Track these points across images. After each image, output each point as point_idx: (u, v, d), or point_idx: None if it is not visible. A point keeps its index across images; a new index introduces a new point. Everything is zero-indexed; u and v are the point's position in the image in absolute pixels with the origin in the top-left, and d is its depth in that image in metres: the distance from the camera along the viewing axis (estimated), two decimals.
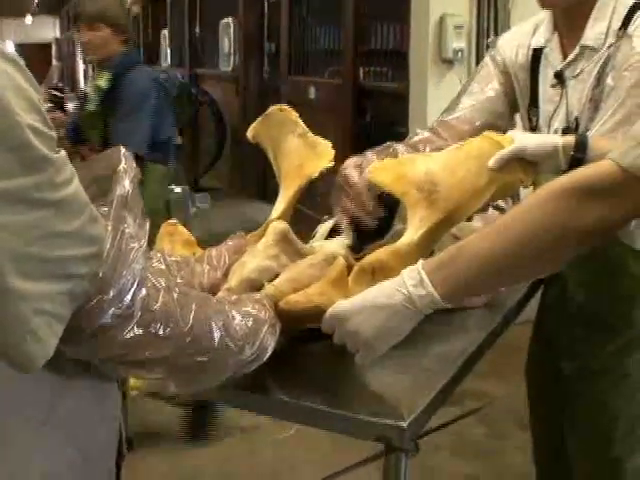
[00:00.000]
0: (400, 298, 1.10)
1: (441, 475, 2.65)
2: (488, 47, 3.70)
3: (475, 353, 1.37)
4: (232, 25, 6.83)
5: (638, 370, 1.67)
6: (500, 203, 1.91)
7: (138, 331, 0.83)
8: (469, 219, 1.67)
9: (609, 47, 1.60)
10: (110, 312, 0.79)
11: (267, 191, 6.49)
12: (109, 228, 0.79)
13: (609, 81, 1.58)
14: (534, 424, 2.03)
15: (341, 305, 1.13)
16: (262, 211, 1.37)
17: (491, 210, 1.85)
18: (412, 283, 1.10)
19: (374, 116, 4.76)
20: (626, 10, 1.60)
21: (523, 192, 1.76)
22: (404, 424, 1.09)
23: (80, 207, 0.75)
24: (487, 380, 3.05)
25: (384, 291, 1.12)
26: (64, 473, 0.87)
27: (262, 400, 1.21)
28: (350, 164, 1.57)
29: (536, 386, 2.00)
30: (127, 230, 0.81)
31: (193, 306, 0.91)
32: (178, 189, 2.74)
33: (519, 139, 1.38)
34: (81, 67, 20.20)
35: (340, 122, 4.76)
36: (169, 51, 9.32)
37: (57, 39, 21.93)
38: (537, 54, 1.78)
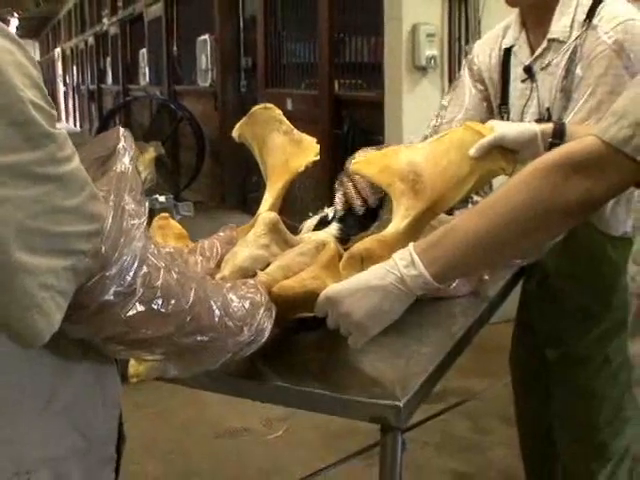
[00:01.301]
0: (392, 279, 1.12)
1: (428, 470, 2.68)
2: (466, 54, 3.77)
3: (463, 338, 1.40)
4: (209, 42, 6.88)
5: (618, 355, 1.72)
6: (478, 199, 1.96)
7: (140, 308, 0.83)
8: (450, 213, 1.71)
9: (575, 39, 1.66)
10: (112, 289, 0.79)
11: (247, 203, 6.51)
12: (110, 205, 0.80)
13: (578, 71, 1.64)
14: (520, 412, 2.07)
15: (334, 287, 1.16)
16: (243, 221, 1.40)
17: (470, 206, 1.89)
18: (403, 264, 1.12)
19: (351, 125, 4.80)
20: (590, 2, 1.66)
21: (497, 185, 1.81)
22: (400, 403, 1.12)
23: (81, 184, 0.76)
24: (470, 377, 3.10)
25: (376, 273, 1.14)
26: (68, 457, 0.88)
27: (259, 387, 1.23)
28: None
29: (521, 374, 2.03)
30: (127, 207, 0.81)
31: (193, 285, 0.91)
32: (162, 198, 2.76)
33: (499, 128, 1.42)
34: (61, 89, 20.17)
35: (318, 132, 4.75)
36: (148, 69, 9.35)
37: (37, 62, 21.89)
38: (507, 53, 1.83)
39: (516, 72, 1.82)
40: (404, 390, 1.15)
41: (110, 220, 0.79)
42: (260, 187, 6.27)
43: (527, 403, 2.03)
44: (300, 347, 1.33)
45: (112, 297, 0.80)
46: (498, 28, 1.92)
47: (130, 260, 0.80)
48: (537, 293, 1.87)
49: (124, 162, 0.85)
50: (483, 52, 1.91)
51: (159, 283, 0.85)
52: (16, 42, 0.72)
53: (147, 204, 0.87)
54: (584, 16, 1.66)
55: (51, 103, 0.75)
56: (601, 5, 1.66)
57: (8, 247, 0.69)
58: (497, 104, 1.88)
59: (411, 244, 1.15)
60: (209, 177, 7.05)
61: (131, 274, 0.81)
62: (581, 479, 1.81)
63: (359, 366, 1.28)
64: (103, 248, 0.77)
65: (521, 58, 1.80)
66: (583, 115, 1.60)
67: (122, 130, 0.89)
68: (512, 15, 1.86)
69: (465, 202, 1.78)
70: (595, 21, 1.64)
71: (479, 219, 1.11)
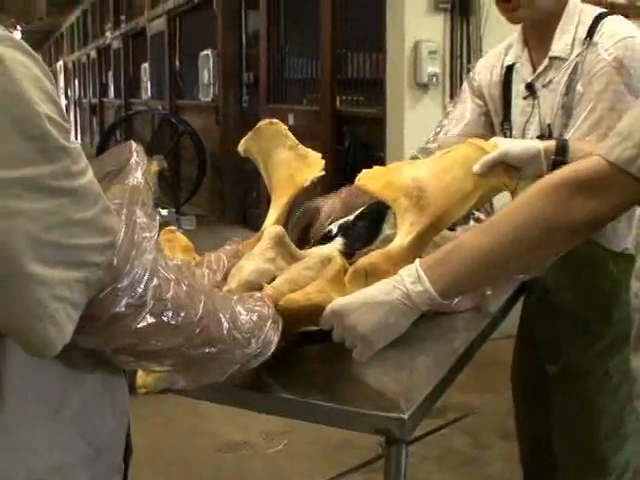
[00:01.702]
0: (398, 294, 1.13)
1: None
2: (468, 71, 3.82)
3: (466, 352, 1.42)
4: (211, 56, 6.93)
5: (619, 370, 1.73)
6: (481, 216, 1.98)
7: (150, 320, 0.84)
8: (452, 229, 1.73)
9: (576, 56, 1.69)
10: (123, 301, 0.80)
11: (247, 217, 6.53)
12: (122, 218, 0.81)
13: (579, 88, 1.67)
14: (520, 426, 2.08)
15: (340, 301, 1.17)
16: (243, 236, 1.42)
17: (472, 222, 1.92)
18: (410, 280, 1.13)
19: (352, 141, 4.83)
20: (591, 20, 1.69)
21: (497, 204, 1.84)
22: (405, 416, 1.12)
23: (94, 197, 0.77)
24: (469, 393, 3.11)
25: (383, 288, 1.16)
26: (76, 466, 0.88)
27: (264, 398, 1.24)
28: None
29: (521, 389, 2.04)
30: (139, 220, 0.83)
31: (202, 297, 0.92)
32: (164, 212, 2.78)
33: (502, 145, 1.44)
34: (63, 102, 20.22)
35: (319, 147, 4.76)
36: (150, 84, 9.40)
37: None
38: (509, 70, 1.86)
39: (518, 89, 1.84)
40: (408, 402, 1.16)
41: (122, 233, 0.80)
42: (260, 202, 6.35)
43: (528, 417, 2.03)
44: (305, 360, 1.34)
45: (123, 309, 0.81)
46: (500, 46, 1.95)
47: (141, 272, 0.81)
48: (538, 308, 1.88)
49: (136, 176, 0.86)
50: (485, 69, 1.94)
51: (169, 295, 0.86)
52: (32, 56, 0.73)
53: (158, 218, 0.88)
54: (585, 34, 1.69)
55: (65, 117, 0.76)
56: (601, 23, 1.69)
57: (22, 258, 0.70)
58: (499, 121, 1.90)
59: (417, 260, 1.17)
60: (209, 191, 7.08)
61: (142, 286, 0.82)
62: None
63: (363, 379, 1.29)
64: (115, 260, 0.78)
65: (523, 75, 1.82)
66: (584, 131, 1.62)
67: (134, 145, 0.90)
68: (514, 34, 1.89)
69: (467, 218, 1.80)
70: (595, 38, 1.67)
71: (484, 237, 1.13)
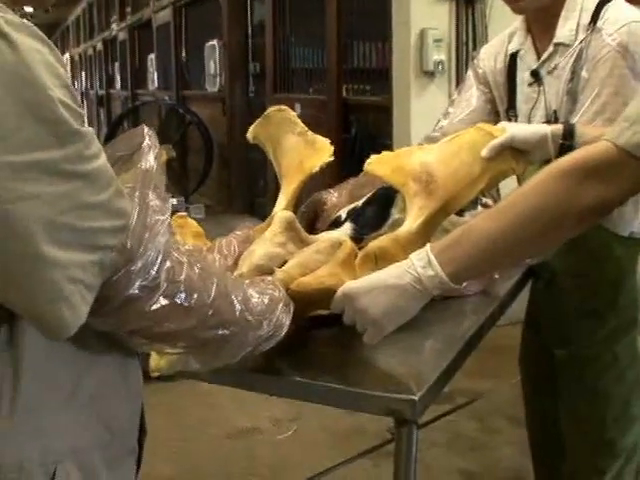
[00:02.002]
0: (409, 278, 1.15)
1: (437, 470, 2.70)
2: (473, 59, 3.82)
3: (475, 335, 1.43)
4: (217, 47, 6.93)
5: (626, 354, 1.74)
6: (488, 201, 1.99)
7: (164, 302, 0.85)
8: (460, 214, 1.74)
9: (580, 42, 1.69)
10: (137, 283, 0.81)
11: (254, 207, 6.55)
12: (135, 201, 0.82)
13: (583, 73, 1.67)
14: (529, 410, 2.09)
15: (352, 284, 1.18)
16: (251, 225, 1.45)
17: (480, 207, 1.93)
18: (421, 264, 1.14)
19: (358, 130, 4.83)
20: (594, 5, 1.70)
21: (504, 190, 1.84)
22: (415, 397, 1.14)
23: (107, 180, 0.78)
24: (475, 379, 3.12)
25: (394, 272, 1.17)
26: (91, 448, 0.89)
27: (277, 381, 1.25)
28: None
29: (530, 373, 2.06)
30: (152, 203, 0.83)
31: (214, 279, 0.93)
32: (174, 200, 2.79)
33: (510, 129, 1.45)
34: None
35: (326, 136, 4.80)
36: (156, 75, 9.40)
37: None
38: (513, 58, 1.87)
39: (523, 76, 1.85)
40: (419, 384, 1.17)
41: (135, 216, 0.80)
42: (267, 192, 6.35)
43: (536, 402, 2.05)
44: (315, 343, 1.35)
45: (137, 291, 0.82)
46: (504, 33, 1.95)
47: (154, 255, 0.82)
48: (545, 293, 1.89)
49: (149, 159, 0.86)
50: (489, 56, 1.95)
51: (182, 277, 0.87)
52: (46, 43, 0.74)
53: (170, 201, 0.88)
54: (589, 20, 1.70)
55: (78, 102, 0.77)
56: (605, 8, 1.69)
57: (37, 241, 0.71)
58: (504, 108, 1.91)
59: (428, 245, 1.17)
60: (216, 181, 7.09)
61: (155, 268, 0.82)
62: (589, 476, 1.83)
63: (373, 362, 1.31)
64: (129, 243, 0.79)
65: (527, 62, 1.83)
66: (589, 116, 1.63)
67: (147, 129, 0.91)
68: (517, 21, 1.90)
69: (474, 203, 1.81)
70: (599, 24, 1.68)
71: (494, 221, 1.14)
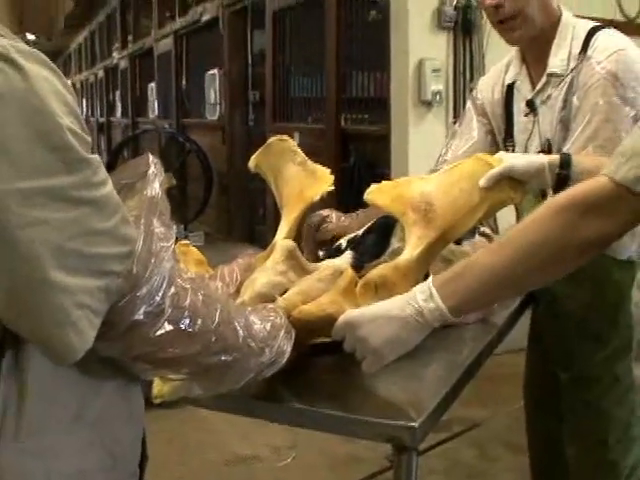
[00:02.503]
0: (411, 310, 1.17)
1: None
2: (470, 90, 3.88)
3: (474, 362, 1.44)
4: (217, 76, 7.00)
5: (627, 375, 1.75)
6: (486, 230, 2.02)
7: (169, 327, 0.86)
8: (459, 243, 1.76)
9: (571, 71, 1.73)
10: (142, 309, 0.83)
11: (254, 235, 6.57)
12: (141, 228, 0.83)
13: (575, 101, 1.71)
14: (532, 433, 2.10)
15: (354, 312, 1.20)
16: (251, 253, 1.48)
17: (477, 236, 1.95)
18: (423, 297, 1.16)
19: (357, 158, 4.87)
20: (584, 34, 1.74)
21: (501, 219, 1.87)
22: (415, 424, 1.14)
23: (114, 207, 0.79)
24: (473, 406, 3.13)
25: (396, 304, 1.19)
26: (94, 472, 0.90)
27: (278, 408, 1.26)
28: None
29: (534, 396, 2.07)
30: (157, 230, 0.85)
31: (218, 305, 0.94)
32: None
33: (508, 159, 1.47)
34: None
35: (324, 165, 4.83)
36: (156, 103, 9.47)
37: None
38: (510, 88, 1.91)
39: (519, 107, 1.88)
40: (418, 411, 1.18)
41: (141, 242, 0.82)
42: (267, 220, 6.36)
43: (540, 424, 2.06)
44: (316, 370, 1.36)
45: (142, 317, 0.83)
46: (500, 64, 1.99)
47: (159, 281, 0.83)
48: (546, 317, 1.91)
49: (154, 187, 0.88)
50: (486, 88, 1.98)
51: (187, 303, 0.88)
52: (54, 70, 0.76)
53: (174, 228, 0.90)
54: (579, 48, 1.74)
55: (86, 130, 0.79)
56: (594, 37, 1.73)
57: (45, 266, 0.73)
58: (502, 138, 1.94)
59: (430, 277, 1.19)
60: (216, 209, 7.12)
61: (160, 294, 0.84)
62: None
63: (373, 389, 1.32)
64: (134, 269, 0.81)
65: (523, 93, 1.87)
66: (581, 143, 1.66)
67: (151, 157, 0.93)
68: (513, 51, 1.94)
69: (472, 232, 1.84)
70: (589, 52, 1.72)
71: (496, 255, 1.15)
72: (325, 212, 1.81)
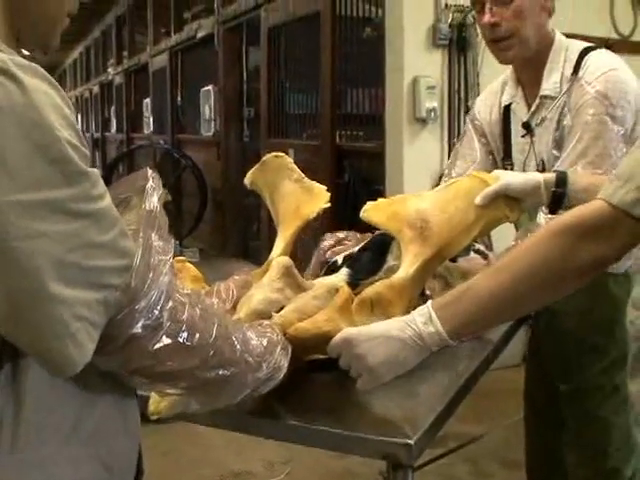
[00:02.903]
0: (411, 333, 1.17)
1: None
2: (467, 110, 3.93)
3: (470, 379, 1.44)
4: (212, 92, 7.02)
5: (626, 384, 1.76)
6: (481, 247, 2.03)
7: (167, 341, 0.86)
8: (454, 260, 1.77)
9: (564, 93, 1.76)
10: (140, 322, 0.83)
11: (248, 251, 6.57)
12: (139, 242, 0.84)
13: (567, 121, 1.74)
14: (531, 446, 2.12)
15: (352, 330, 1.20)
16: (245, 269, 1.47)
17: (472, 254, 1.96)
18: (422, 320, 1.17)
19: (352, 175, 4.88)
20: (577, 56, 1.76)
21: (495, 237, 1.88)
22: (411, 441, 1.15)
23: (112, 221, 0.80)
24: (468, 422, 3.13)
25: (396, 325, 1.19)
26: None
27: (273, 425, 1.26)
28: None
29: (534, 408, 2.09)
30: (155, 244, 0.85)
31: (215, 320, 0.95)
32: None
33: (504, 177, 1.48)
34: None
35: (319, 181, 4.82)
36: (151, 119, 9.49)
37: None
38: (507, 109, 1.93)
39: (516, 128, 1.91)
40: (414, 428, 1.19)
41: (139, 256, 0.83)
42: (261, 236, 6.33)
43: (540, 435, 2.08)
44: (312, 386, 1.37)
45: (140, 330, 0.83)
46: (496, 84, 2.01)
47: (158, 295, 0.84)
48: (546, 332, 1.93)
49: (152, 201, 0.89)
50: (484, 108, 2.01)
51: (185, 317, 0.89)
52: (52, 84, 0.77)
53: (172, 242, 0.90)
54: (571, 70, 1.76)
55: (84, 143, 0.80)
56: (586, 58, 1.77)
57: (44, 278, 0.73)
58: (500, 158, 1.96)
59: (429, 302, 1.20)
60: (210, 225, 7.12)
61: (158, 308, 0.84)
62: None
63: (368, 406, 1.32)
64: (133, 282, 0.81)
65: (519, 115, 1.89)
66: (571, 160, 1.69)
67: (150, 171, 0.93)
68: (508, 70, 1.96)
69: (467, 250, 1.85)
70: (580, 73, 1.75)
71: (494, 279, 1.16)
72: (341, 234, 1.82)
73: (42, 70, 0.78)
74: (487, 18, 1.79)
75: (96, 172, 0.79)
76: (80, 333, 0.76)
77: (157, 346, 0.86)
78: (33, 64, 0.78)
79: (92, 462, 0.90)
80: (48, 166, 0.74)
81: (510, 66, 1.94)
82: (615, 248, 1.11)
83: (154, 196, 0.90)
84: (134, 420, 0.99)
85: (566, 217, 1.15)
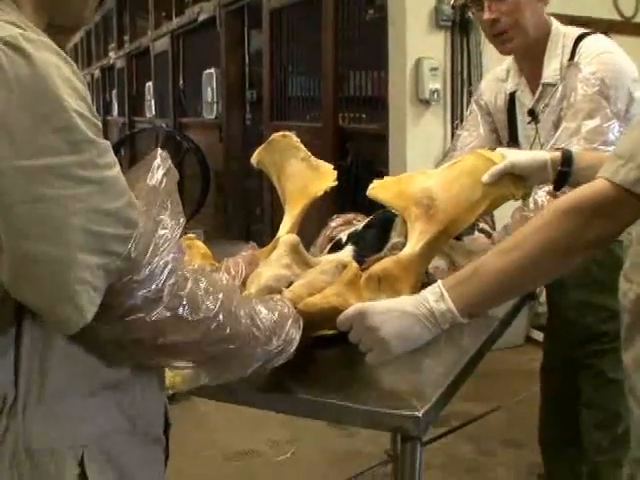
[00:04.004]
0: (424, 310, 1.19)
1: None
2: (470, 94, 3.97)
3: (476, 354, 1.46)
4: (215, 75, 7.01)
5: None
6: (485, 226, 2.04)
7: (165, 313, 0.88)
8: (458, 238, 1.79)
9: (563, 79, 1.81)
10: (140, 294, 0.85)
11: (250, 234, 6.58)
12: (146, 215, 0.86)
13: (564, 105, 1.78)
14: (547, 416, 2.17)
15: (365, 303, 1.22)
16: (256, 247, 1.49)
17: (477, 233, 1.98)
18: (434, 299, 1.19)
19: (355, 157, 4.89)
20: (572, 42, 1.81)
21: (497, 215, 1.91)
22: (419, 414, 1.17)
23: (120, 191, 0.82)
24: (471, 402, 3.15)
25: (410, 301, 1.21)
26: (115, 434, 0.93)
27: (282, 399, 1.28)
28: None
29: (552, 378, 2.13)
30: (162, 218, 0.87)
31: (220, 295, 0.95)
32: None
33: (510, 155, 1.49)
34: None
35: None
36: (153, 102, 9.47)
37: None
38: (512, 97, 1.98)
39: (522, 115, 1.95)
40: (422, 402, 1.21)
41: (144, 228, 0.84)
42: (264, 218, 6.32)
43: (555, 407, 2.11)
44: (320, 362, 1.38)
45: (139, 301, 0.85)
46: (500, 70, 2.06)
47: (160, 269, 0.85)
48: (561, 299, 1.98)
49: (157, 176, 0.91)
50: (489, 93, 2.06)
51: (185, 292, 0.90)
52: (64, 58, 0.80)
53: (182, 221, 0.91)
54: (569, 56, 1.82)
55: (96, 115, 0.82)
56: (581, 44, 1.82)
57: (48, 241, 0.76)
58: (506, 142, 2.00)
59: (440, 280, 1.22)
60: (213, 208, 7.13)
61: (159, 282, 0.86)
62: (610, 470, 1.88)
63: (376, 380, 1.34)
64: (133, 253, 0.83)
65: (524, 102, 1.95)
66: (564, 138, 1.74)
67: (160, 151, 0.95)
68: (509, 58, 2.01)
69: (471, 228, 1.86)
70: (576, 58, 1.82)
71: (505, 257, 1.19)
72: (350, 215, 1.84)
73: (54, 45, 0.80)
74: (487, 15, 1.86)
75: (106, 143, 0.82)
76: (81, 296, 0.79)
77: (155, 318, 0.87)
78: (46, 39, 0.80)
79: (115, 413, 0.93)
80: (52, 134, 0.76)
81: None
82: (619, 225, 1.14)
83: (159, 172, 0.91)
84: (159, 376, 1.02)
85: (571, 197, 1.17)
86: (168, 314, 0.88)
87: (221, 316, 0.95)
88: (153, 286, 0.85)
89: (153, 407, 1.00)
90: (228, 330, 0.97)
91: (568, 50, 1.83)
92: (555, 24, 1.90)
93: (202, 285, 0.93)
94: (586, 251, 1.17)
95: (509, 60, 2.02)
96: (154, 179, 0.90)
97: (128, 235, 0.82)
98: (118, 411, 0.93)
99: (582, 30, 1.89)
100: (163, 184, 0.91)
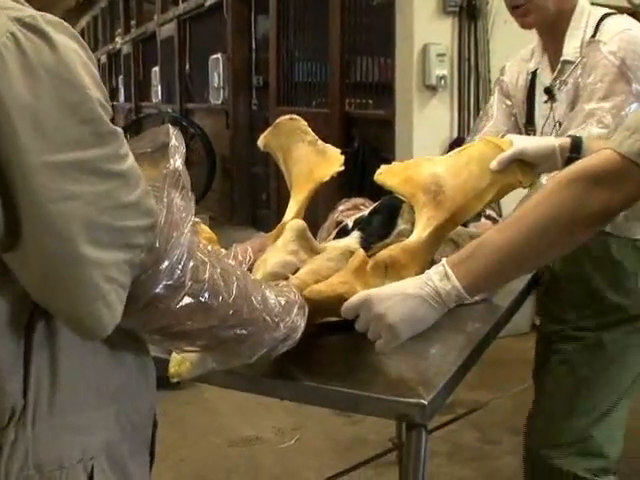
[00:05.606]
0: (428, 290, 1.17)
1: (438, 478, 2.73)
2: (478, 77, 3.97)
3: (482, 342, 1.45)
4: (221, 60, 6.99)
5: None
6: (491, 213, 2.03)
7: (188, 300, 0.86)
8: (465, 225, 1.77)
9: (583, 57, 1.76)
10: (163, 282, 0.82)
11: (256, 220, 6.57)
12: (162, 201, 0.83)
13: (581, 83, 1.74)
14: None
15: (370, 291, 1.20)
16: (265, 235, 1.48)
17: (484, 219, 1.97)
18: (438, 277, 1.17)
19: (361, 143, 4.87)
20: (596, 21, 1.77)
21: (504, 202, 1.89)
22: (425, 401, 1.16)
23: (137, 180, 0.79)
24: (476, 390, 3.16)
25: (413, 283, 1.20)
26: (120, 441, 0.91)
27: (288, 386, 1.27)
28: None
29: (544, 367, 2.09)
30: (178, 203, 0.85)
31: (235, 280, 0.94)
32: None
33: (518, 142, 1.48)
34: None
35: None
36: (160, 87, 9.45)
37: None
38: (533, 76, 1.94)
39: (540, 93, 1.92)
40: (428, 389, 1.20)
41: (163, 216, 0.82)
42: (270, 204, 6.34)
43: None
44: (325, 349, 1.38)
45: (163, 290, 0.83)
46: (525, 51, 2.03)
47: (180, 254, 0.83)
48: (549, 298, 1.94)
49: (176, 159, 0.88)
50: (511, 73, 2.03)
51: (206, 277, 0.88)
52: (80, 42, 0.76)
53: (194, 201, 0.90)
54: (591, 35, 1.77)
55: (109, 101, 0.78)
56: (603, 22, 1.77)
57: (77, 241, 0.73)
58: (523, 123, 1.97)
59: (444, 259, 1.20)
60: (219, 193, 7.13)
61: (181, 267, 0.83)
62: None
63: (382, 367, 1.33)
64: (157, 242, 0.81)
65: (543, 81, 1.91)
66: (579, 120, 1.70)
67: (172, 129, 0.91)
68: (536, 38, 1.98)
69: (478, 215, 1.85)
70: (597, 36, 1.76)
71: (508, 232, 1.17)
72: (359, 200, 1.83)
73: (70, 28, 0.76)
74: None
75: (120, 130, 0.78)
76: (111, 295, 0.76)
77: (179, 305, 0.85)
78: (62, 21, 0.76)
79: (121, 421, 0.91)
80: (80, 126, 0.73)
81: (522, 32, 1.94)
82: (623, 196, 1.13)
83: (177, 155, 0.88)
84: (152, 376, 1.00)
85: (576, 167, 1.16)
86: (190, 300, 0.86)
87: (238, 301, 0.94)
88: (176, 272, 0.83)
89: (148, 408, 0.99)
90: (244, 315, 0.97)
91: (591, 29, 1.78)
92: (582, 2, 1.85)
93: (218, 269, 0.92)
94: (589, 224, 1.15)
95: (536, 39, 2.00)
96: (174, 163, 0.87)
97: (150, 225, 0.80)
98: (121, 418, 0.91)
99: (608, 10, 1.85)
100: (180, 168, 0.88)
